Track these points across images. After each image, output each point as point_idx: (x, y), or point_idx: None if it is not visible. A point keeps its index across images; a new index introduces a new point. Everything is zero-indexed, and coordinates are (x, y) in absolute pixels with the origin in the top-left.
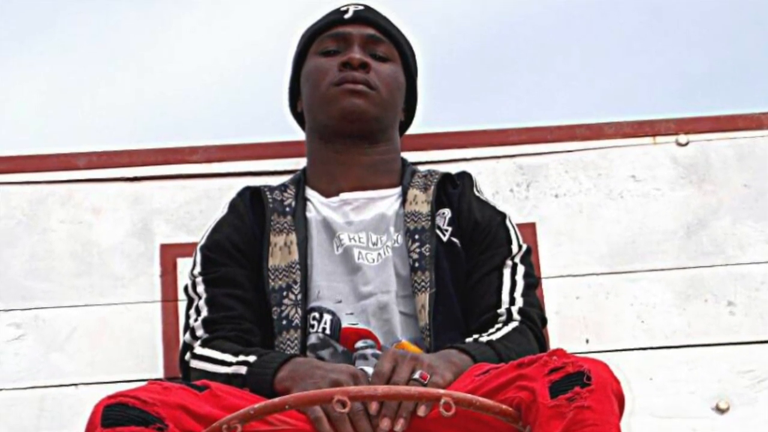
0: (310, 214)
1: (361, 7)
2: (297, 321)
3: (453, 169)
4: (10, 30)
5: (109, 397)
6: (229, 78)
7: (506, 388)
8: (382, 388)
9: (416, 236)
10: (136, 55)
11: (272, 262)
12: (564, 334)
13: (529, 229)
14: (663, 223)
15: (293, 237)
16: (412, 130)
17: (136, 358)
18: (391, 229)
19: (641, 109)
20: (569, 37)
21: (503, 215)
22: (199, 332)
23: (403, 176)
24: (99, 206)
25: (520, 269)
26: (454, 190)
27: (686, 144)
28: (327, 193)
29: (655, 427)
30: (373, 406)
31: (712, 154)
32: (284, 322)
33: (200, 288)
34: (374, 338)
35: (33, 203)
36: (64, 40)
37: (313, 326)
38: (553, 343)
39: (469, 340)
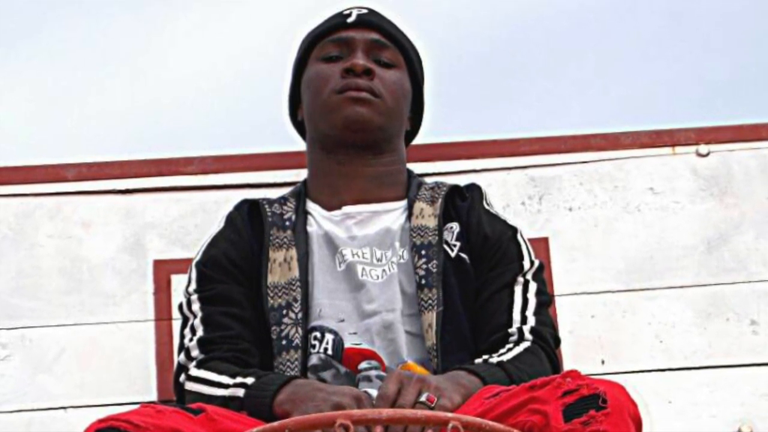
0: (311, 228)
1: (364, 11)
2: (297, 341)
3: (461, 181)
4: None
5: (100, 421)
6: (226, 85)
7: (517, 412)
8: (387, 412)
9: (423, 252)
10: (129, 61)
11: (271, 279)
12: (578, 355)
13: (541, 244)
14: (682, 237)
15: (293, 252)
16: (418, 140)
17: (128, 379)
18: (397, 244)
19: (659, 117)
20: (584, 41)
21: (514, 229)
22: (195, 353)
23: (409, 188)
24: (89, 220)
25: (532, 286)
26: (462, 203)
27: (707, 155)
28: (329, 207)
29: None
30: (378, 431)
31: (734, 165)
32: (284, 342)
33: (195, 306)
34: (378, 359)
35: (20, 217)
36: (53, 45)
37: (314, 346)
38: (567, 364)
39: (478, 360)
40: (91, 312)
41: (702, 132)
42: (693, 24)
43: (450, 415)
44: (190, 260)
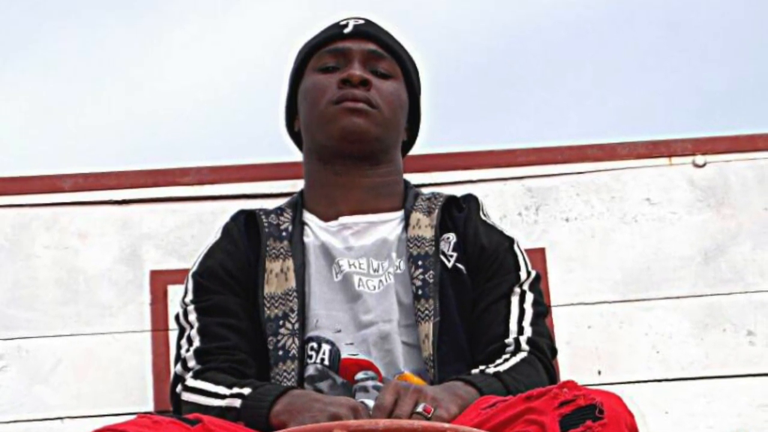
0: (308, 238)
1: (361, 21)
2: (294, 351)
3: (458, 191)
4: None
5: None
6: (223, 96)
7: (514, 422)
8: (383, 422)
9: (419, 262)
10: (125, 72)
11: (268, 290)
12: (575, 365)
13: (538, 255)
14: (679, 248)
15: (290, 263)
16: (415, 151)
17: (124, 390)
18: (393, 254)
19: (657, 128)
20: (581, 52)
21: (511, 240)
22: (191, 363)
23: (406, 199)
24: (85, 231)
25: (529, 297)
26: (459, 213)
27: (703, 165)
28: (326, 217)
29: None
30: None
31: (731, 176)
32: (281, 353)
33: (192, 317)
34: (375, 369)
35: (16, 228)
36: (48, 56)
37: (311, 357)
38: (564, 375)
39: (475, 371)
40: (87, 323)
41: (698, 143)
42: (691, 35)
43: (446, 425)
44: (186, 271)
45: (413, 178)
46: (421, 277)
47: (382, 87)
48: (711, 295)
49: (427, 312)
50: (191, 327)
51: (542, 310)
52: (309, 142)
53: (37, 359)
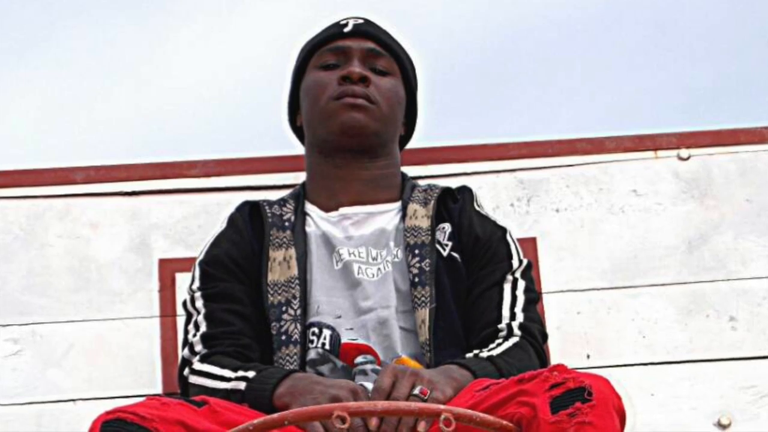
0: (310, 228)
1: (360, 21)
2: (296, 336)
3: (453, 183)
4: (6, 44)
5: (107, 413)
6: (228, 92)
7: (507, 404)
8: (381, 404)
9: (416, 251)
10: (134, 70)
11: (271, 277)
12: (565, 350)
13: (529, 244)
14: (665, 238)
15: (292, 252)
16: (412, 145)
17: (134, 373)
18: (391, 243)
19: (644, 123)
20: (572, 51)
21: (504, 230)
22: (198, 347)
23: (403, 191)
24: (97, 221)
25: (521, 284)
26: (454, 204)
27: (688, 158)
28: (326, 208)
29: None
30: (373, 422)
31: (714, 169)
32: (283, 338)
33: (199, 303)
34: (374, 354)
35: (30, 218)
36: (61, 54)
37: (312, 341)
38: (554, 359)
39: (469, 355)
40: (98, 309)
41: (683, 137)
42: (677, 34)
43: (442, 407)
44: (193, 259)
45: (410, 171)
46: (417, 265)
47: (380, 83)
48: (695, 282)
49: (423, 299)
50: (198, 313)
51: (534, 296)
52: (310, 136)
53: (50, 344)
